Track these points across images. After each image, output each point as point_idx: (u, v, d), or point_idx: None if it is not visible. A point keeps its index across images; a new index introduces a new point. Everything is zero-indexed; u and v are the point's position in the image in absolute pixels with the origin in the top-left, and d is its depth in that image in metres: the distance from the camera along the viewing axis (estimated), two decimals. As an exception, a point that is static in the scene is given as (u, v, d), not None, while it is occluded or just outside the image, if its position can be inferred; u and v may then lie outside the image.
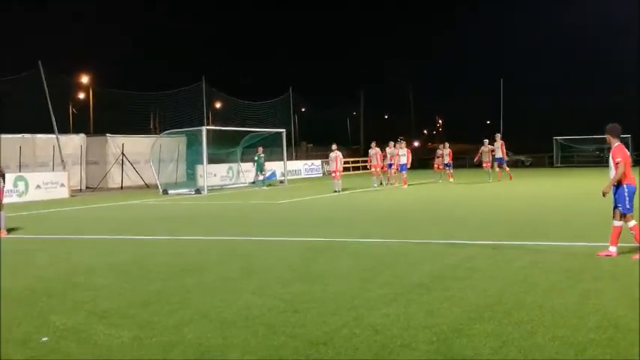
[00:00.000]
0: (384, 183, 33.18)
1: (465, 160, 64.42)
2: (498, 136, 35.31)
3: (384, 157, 33.19)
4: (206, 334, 6.71)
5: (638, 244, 10.47)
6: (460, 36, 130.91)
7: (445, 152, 35.78)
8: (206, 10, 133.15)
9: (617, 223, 10.54)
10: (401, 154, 32.22)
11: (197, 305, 7.91)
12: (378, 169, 32.92)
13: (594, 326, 6.58)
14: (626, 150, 10.82)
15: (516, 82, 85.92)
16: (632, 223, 10.47)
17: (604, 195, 10.74)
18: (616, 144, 10.77)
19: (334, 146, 30.56)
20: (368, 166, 37.60)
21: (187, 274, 9.93)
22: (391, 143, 33.46)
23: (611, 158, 10.79)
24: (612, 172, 10.69)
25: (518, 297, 7.88)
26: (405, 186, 31.25)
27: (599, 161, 59.87)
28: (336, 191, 28.71)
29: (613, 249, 10.53)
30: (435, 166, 36.74)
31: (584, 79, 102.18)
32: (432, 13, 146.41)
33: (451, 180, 34.84)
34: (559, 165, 59.81)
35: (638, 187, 10.64)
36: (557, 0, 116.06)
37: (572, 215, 17.20)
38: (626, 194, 10.47)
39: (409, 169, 33.01)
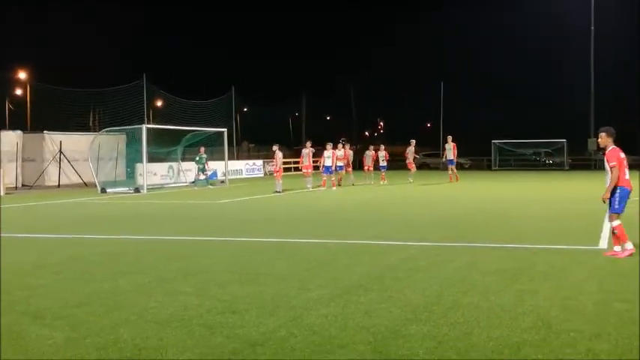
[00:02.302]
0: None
1: (405, 163, 64.96)
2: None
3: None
4: (142, 334, 6.62)
5: (617, 243, 10.66)
6: (402, 39, 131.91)
7: (381, 154, 35.77)
8: (145, 8, 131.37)
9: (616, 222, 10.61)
10: (326, 155, 31.56)
11: (133, 306, 7.80)
12: (310, 170, 32.04)
13: (528, 327, 6.70)
14: (621, 153, 10.72)
15: (458, 85, 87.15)
16: (617, 222, 10.56)
17: (604, 201, 10.77)
18: (611, 147, 10.71)
19: (275, 147, 30.40)
20: (299, 167, 36.19)
21: (123, 275, 9.78)
22: (339, 145, 33.26)
23: (606, 162, 10.72)
24: (608, 177, 10.68)
25: (456, 297, 7.98)
26: (324, 188, 30.81)
27: (536, 165, 61.22)
28: (277, 191, 28.61)
29: (618, 248, 10.70)
30: (365, 167, 36.13)
31: (528, 84, 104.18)
32: (374, 14, 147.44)
33: (384, 182, 34.88)
34: (497, 168, 60.85)
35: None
36: (499, 3, 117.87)
37: (509, 218, 17.48)
38: (617, 195, 10.53)
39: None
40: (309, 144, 32.93)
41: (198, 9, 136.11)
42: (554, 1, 70.68)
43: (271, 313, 7.35)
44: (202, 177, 34.78)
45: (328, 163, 31.42)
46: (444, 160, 36.96)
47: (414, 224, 16.28)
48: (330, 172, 31.59)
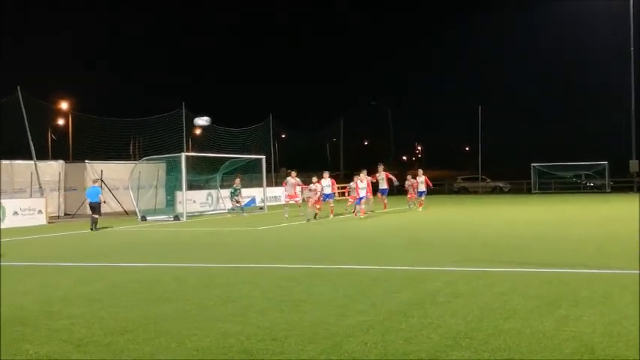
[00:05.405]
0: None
1: (444, 187, 64.96)
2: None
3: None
4: (182, 362, 6.65)
5: None
6: (439, 62, 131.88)
7: (420, 180, 35.11)
8: (185, 36, 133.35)
9: None
10: (325, 184, 30.71)
11: (174, 333, 7.84)
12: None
13: (571, 352, 6.60)
14: None
15: (496, 109, 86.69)
16: None
17: None
18: None
19: (314, 178, 30.09)
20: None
21: (164, 302, 9.85)
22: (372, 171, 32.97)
23: None
24: None
25: (497, 323, 7.89)
26: (331, 216, 30.11)
27: (577, 187, 60.46)
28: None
29: None
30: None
31: (564, 105, 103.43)
32: (411, 38, 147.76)
33: (420, 209, 34.14)
34: (537, 191, 60.23)
35: None
36: (536, 26, 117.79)
37: (550, 241, 17.25)
38: None
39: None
40: (294, 173, 32.07)
41: (238, 34, 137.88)
42: (593, 22, 70.41)
43: (311, 340, 7.34)
44: (237, 205, 34.92)
45: (327, 191, 30.67)
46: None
47: (451, 249, 16.11)
48: (331, 199, 31.07)
